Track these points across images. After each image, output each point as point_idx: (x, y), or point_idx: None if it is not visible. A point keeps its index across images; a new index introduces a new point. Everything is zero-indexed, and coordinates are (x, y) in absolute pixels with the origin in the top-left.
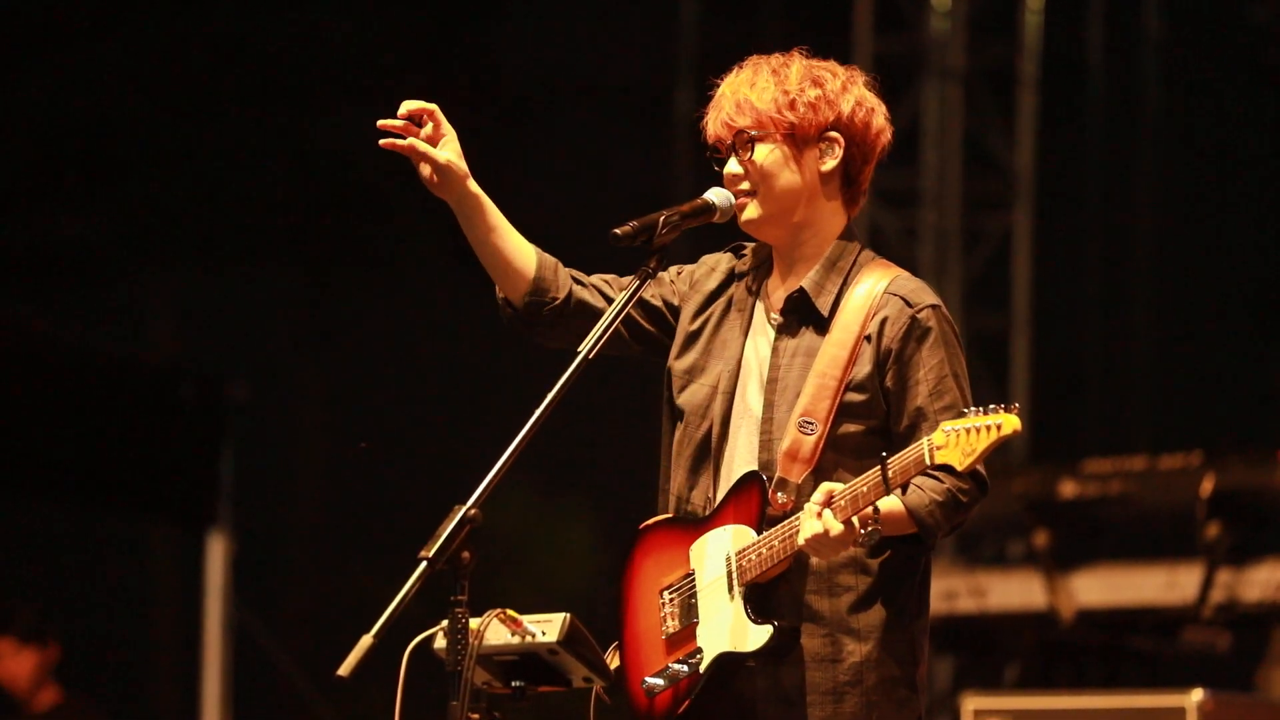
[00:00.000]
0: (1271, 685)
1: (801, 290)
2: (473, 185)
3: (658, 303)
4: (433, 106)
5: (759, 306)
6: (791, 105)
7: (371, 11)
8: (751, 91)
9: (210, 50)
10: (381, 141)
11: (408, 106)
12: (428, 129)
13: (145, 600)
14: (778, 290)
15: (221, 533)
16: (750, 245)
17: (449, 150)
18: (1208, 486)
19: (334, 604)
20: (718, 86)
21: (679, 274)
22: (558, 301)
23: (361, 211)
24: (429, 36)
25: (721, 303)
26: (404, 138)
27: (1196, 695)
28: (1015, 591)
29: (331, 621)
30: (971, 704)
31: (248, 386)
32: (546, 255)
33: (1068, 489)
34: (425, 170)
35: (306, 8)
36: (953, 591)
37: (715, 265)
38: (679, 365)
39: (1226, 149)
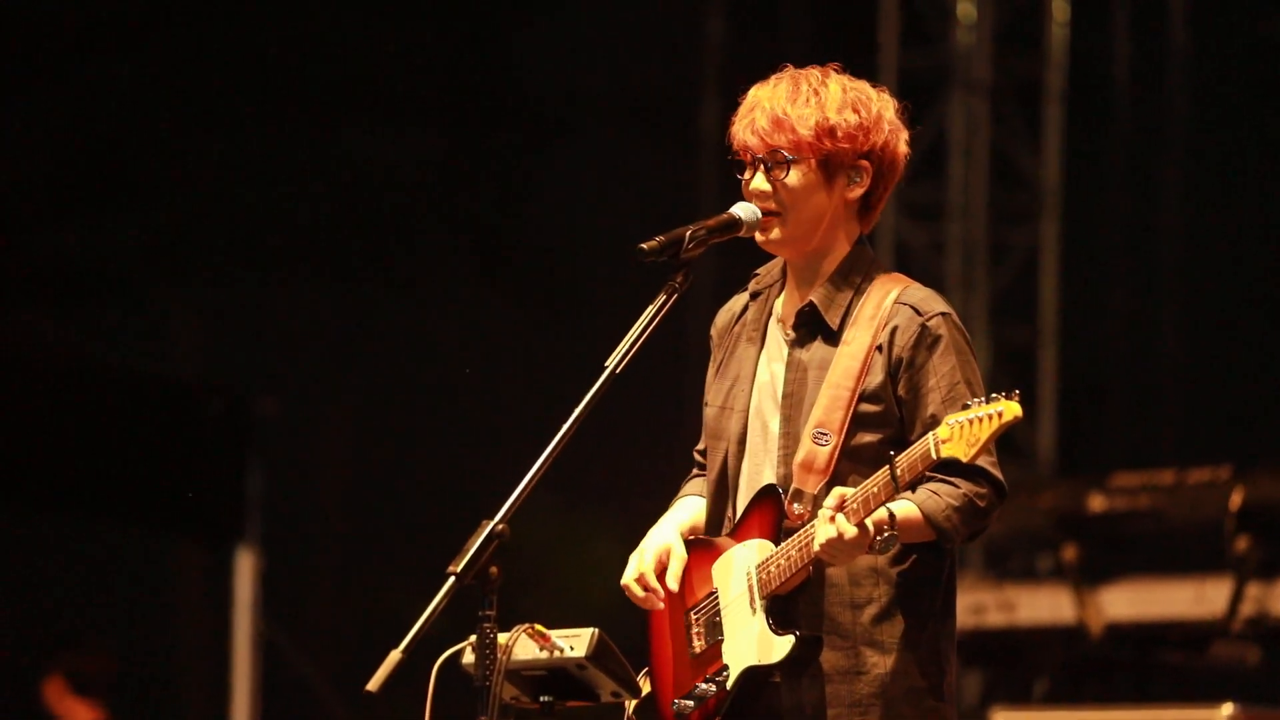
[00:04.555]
0: None
1: (812, 304)
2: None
3: None
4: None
5: (772, 325)
6: (831, 132)
7: (397, 26)
8: (792, 110)
9: (236, 65)
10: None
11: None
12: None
13: (174, 615)
14: (791, 306)
15: (249, 548)
16: (762, 267)
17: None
18: (1237, 500)
19: (362, 619)
20: (747, 91)
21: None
22: None
23: (387, 227)
24: (455, 52)
25: (737, 328)
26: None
27: (1226, 709)
28: (1044, 606)
29: (360, 636)
30: (1000, 718)
31: (275, 402)
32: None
33: (1096, 503)
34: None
35: (332, 23)
36: (981, 605)
37: (731, 306)
38: (709, 410)
39: (1253, 161)
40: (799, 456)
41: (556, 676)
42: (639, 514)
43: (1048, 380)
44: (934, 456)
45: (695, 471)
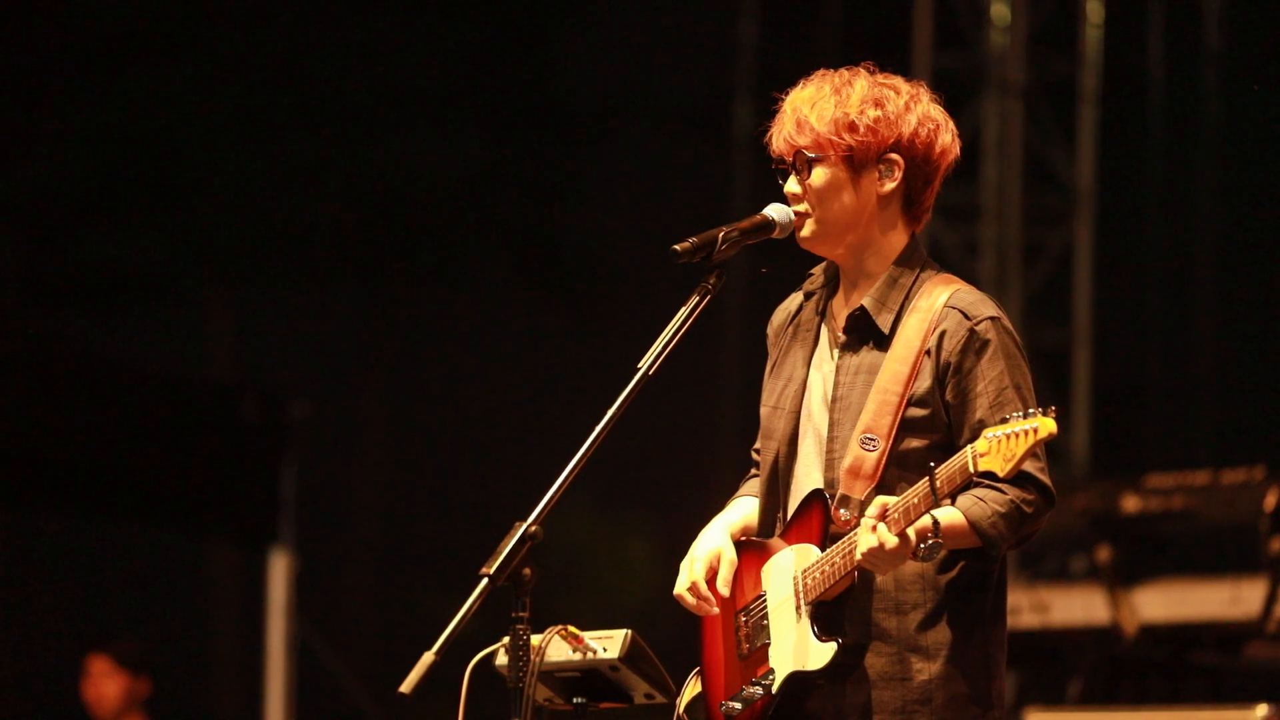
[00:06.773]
0: None
1: (862, 309)
2: (729, 546)
3: None
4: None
5: (824, 327)
6: (851, 127)
7: (435, 33)
8: (811, 111)
9: (274, 71)
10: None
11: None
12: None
13: (208, 617)
14: (842, 309)
15: (283, 549)
16: (818, 265)
17: (723, 580)
18: (1271, 501)
19: (395, 620)
20: (783, 100)
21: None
22: None
23: (422, 229)
24: (492, 58)
25: (791, 327)
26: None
27: (1261, 710)
28: (1078, 607)
29: (393, 638)
30: None
31: (308, 404)
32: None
33: (1130, 504)
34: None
35: (366, 31)
36: (1015, 607)
37: (787, 305)
38: (764, 409)
39: None
40: (846, 461)
41: (589, 678)
42: (672, 516)
43: (1082, 381)
44: (972, 470)
45: (753, 471)
